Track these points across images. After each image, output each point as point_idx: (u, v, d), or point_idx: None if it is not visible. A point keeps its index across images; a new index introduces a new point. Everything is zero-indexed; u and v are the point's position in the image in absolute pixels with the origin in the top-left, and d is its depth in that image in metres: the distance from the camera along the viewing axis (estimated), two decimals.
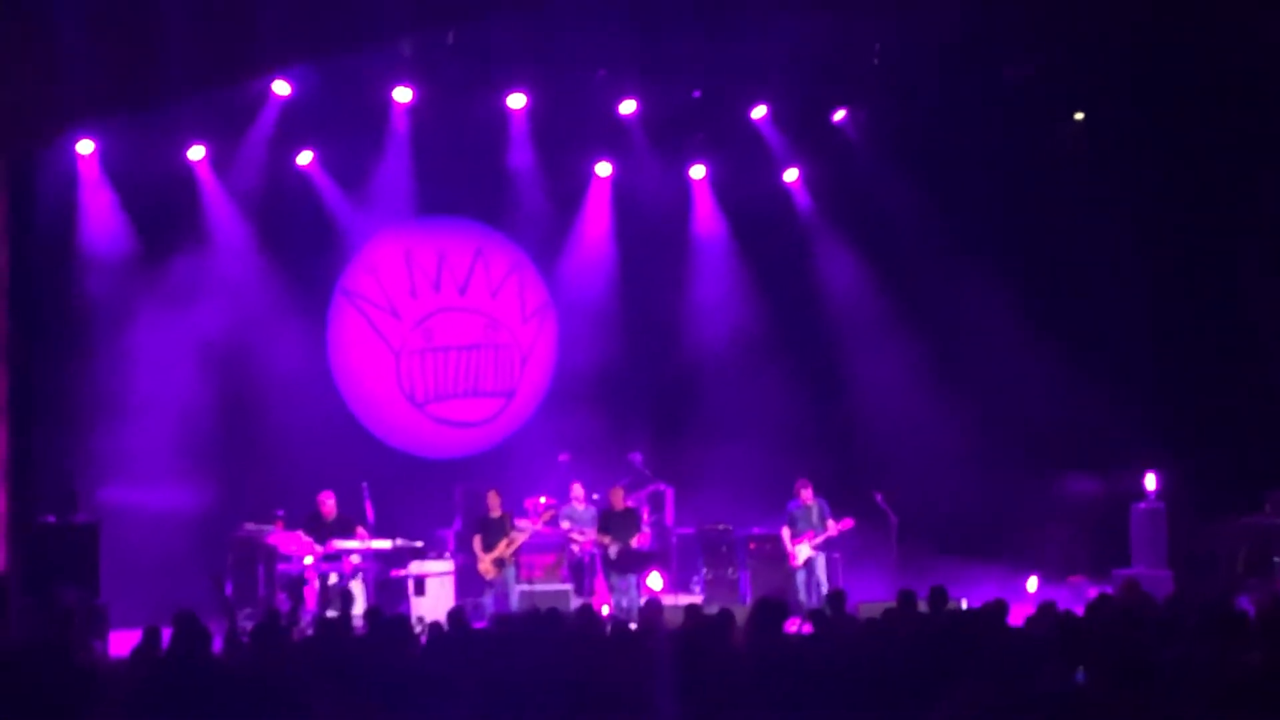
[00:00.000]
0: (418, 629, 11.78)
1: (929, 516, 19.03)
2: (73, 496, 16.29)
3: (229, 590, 16.96)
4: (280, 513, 17.19)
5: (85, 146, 18.35)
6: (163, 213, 18.86)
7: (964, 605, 14.41)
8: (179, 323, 18.56)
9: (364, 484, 17.38)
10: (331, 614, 15.52)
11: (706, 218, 21.28)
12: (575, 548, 18.39)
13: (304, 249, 19.68)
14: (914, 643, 9.30)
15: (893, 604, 12.26)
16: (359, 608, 16.34)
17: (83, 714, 7.81)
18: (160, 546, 17.64)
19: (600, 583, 17.95)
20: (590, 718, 7.64)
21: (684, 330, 21.03)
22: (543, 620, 10.66)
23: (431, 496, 19.37)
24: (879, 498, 18.38)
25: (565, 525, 18.27)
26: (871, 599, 16.26)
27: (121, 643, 13.86)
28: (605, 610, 16.82)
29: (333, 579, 16.70)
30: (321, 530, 16.90)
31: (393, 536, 17.21)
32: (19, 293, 16.95)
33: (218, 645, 10.28)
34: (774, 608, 10.31)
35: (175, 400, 18.43)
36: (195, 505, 18.44)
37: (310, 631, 13.60)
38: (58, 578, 15.08)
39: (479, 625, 13.36)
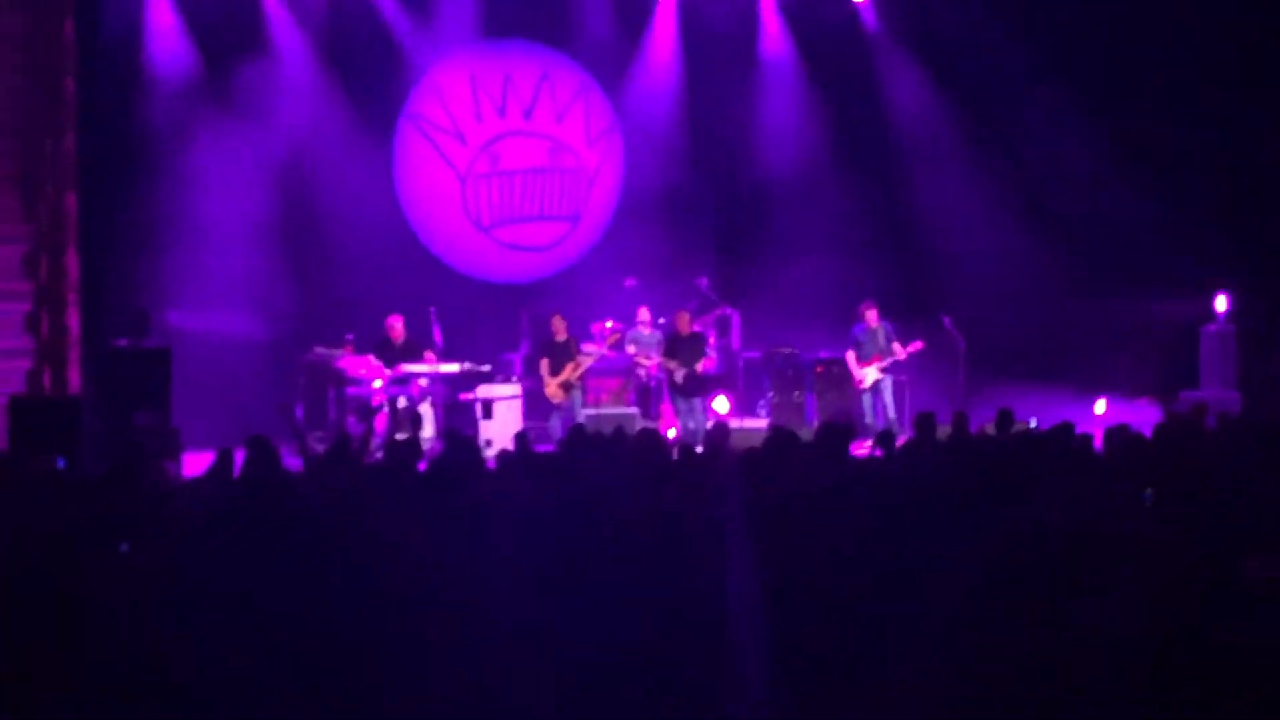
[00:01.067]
0: (486, 451, 11.88)
1: (997, 340, 18.91)
2: (144, 320, 16.41)
3: (299, 414, 17.13)
4: (349, 336, 17.32)
5: None
6: (228, 34, 18.79)
7: (1032, 425, 14.38)
8: (245, 145, 18.56)
9: (431, 309, 17.47)
10: (401, 436, 15.67)
11: (774, 38, 21.00)
12: (641, 372, 18.45)
13: (369, 73, 19.60)
14: (980, 464, 9.29)
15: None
16: (428, 430, 16.49)
17: (157, 535, 7.93)
18: (230, 370, 17.80)
19: (666, 407, 18.01)
20: (655, 541, 7.68)
21: (751, 152, 20.84)
22: (608, 443, 10.71)
23: (498, 321, 19.47)
24: (946, 321, 18.30)
25: (631, 349, 18.31)
26: (938, 423, 16.22)
27: (193, 465, 14.05)
28: (671, 434, 16.90)
29: (401, 402, 16.82)
30: (390, 354, 17.00)
31: (460, 360, 17.31)
32: (86, 117, 17.01)
33: (289, 468, 10.41)
34: (841, 431, 10.33)
35: (242, 223, 18.48)
36: (264, 329, 18.56)
37: (380, 455, 13.74)
38: (130, 401, 15.25)
39: (544, 448, 13.45)
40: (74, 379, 16.59)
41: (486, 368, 17.71)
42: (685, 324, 17.93)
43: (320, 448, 13.52)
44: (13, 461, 13.32)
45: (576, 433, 11.69)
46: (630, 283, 19.44)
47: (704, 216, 20.56)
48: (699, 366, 17.66)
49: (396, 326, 17.24)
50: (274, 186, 18.83)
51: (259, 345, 18.43)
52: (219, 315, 18.24)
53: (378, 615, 6.58)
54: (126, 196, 17.89)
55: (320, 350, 17.31)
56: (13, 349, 16.46)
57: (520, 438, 11.70)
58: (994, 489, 8.38)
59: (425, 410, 16.85)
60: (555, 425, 17.21)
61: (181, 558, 7.20)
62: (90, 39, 17.34)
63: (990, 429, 12.57)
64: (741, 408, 18.98)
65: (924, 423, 11.84)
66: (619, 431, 11.24)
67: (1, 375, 16.17)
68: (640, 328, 18.46)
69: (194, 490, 9.99)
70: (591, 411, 17.74)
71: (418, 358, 16.96)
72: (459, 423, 16.79)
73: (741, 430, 16.24)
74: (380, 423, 16.68)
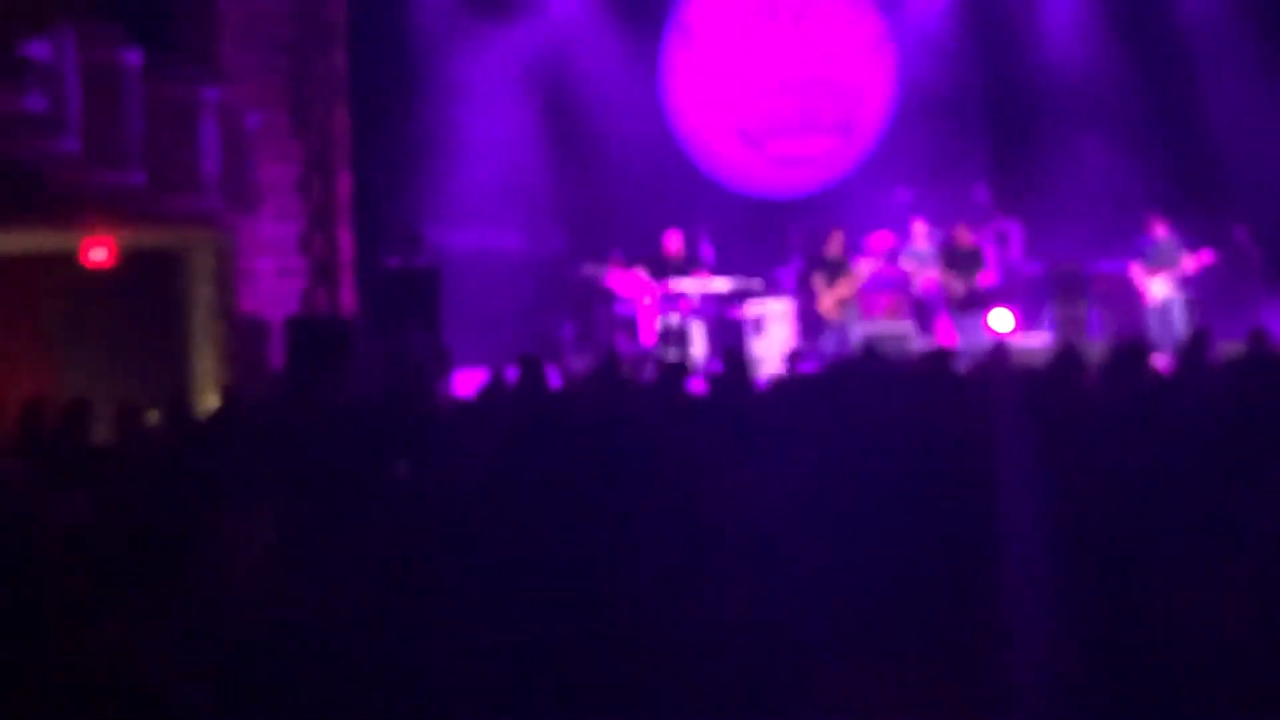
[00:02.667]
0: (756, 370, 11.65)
1: None
2: (416, 239, 16.50)
3: (569, 333, 17.11)
4: (616, 252, 17.16)
5: None
6: None
7: None
8: (514, 58, 18.55)
9: (701, 226, 17.23)
10: (670, 354, 15.54)
11: None
12: (917, 287, 17.98)
13: None
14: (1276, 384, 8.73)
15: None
16: (697, 348, 16.32)
17: (430, 453, 7.87)
18: (498, 287, 17.84)
19: (943, 322, 17.53)
20: (936, 460, 7.34)
21: (1030, 58, 19.99)
22: (887, 362, 10.38)
23: (768, 236, 19.08)
24: (1240, 232, 17.44)
25: (907, 265, 17.84)
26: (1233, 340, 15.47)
27: (464, 383, 14.08)
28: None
29: (672, 319, 16.63)
30: (662, 268, 16.77)
31: (730, 276, 17.03)
32: (355, 32, 17.05)
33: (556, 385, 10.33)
34: (1134, 349, 9.83)
35: (509, 139, 18.47)
36: (530, 246, 18.58)
37: (649, 373, 13.61)
38: (402, 320, 15.36)
39: (814, 365, 13.14)
40: (347, 298, 16.75)
41: (758, 283, 17.41)
42: (963, 237, 17.42)
43: (581, 365, 13.46)
44: (291, 379, 13.54)
45: (859, 351, 11.38)
46: (902, 194, 18.91)
47: (981, 125, 19.83)
48: (977, 280, 17.16)
49: (674, 241, 16.97)
50: (543, 100, 18.80)
51: (526, 262, 18.46)
52: (486, 232, 18.29)
53: (669, 543, 6.38)
54: (396, 112, 17.95)
55: (588, 266, 17.19)
56: (288, 268, 16.67)
57: (793, 356, 11.44)
58: None
59: (695, 328, 16.65)
60: (828, 342, 16.85)
61: (462, 479, 7.10)
62: None
63: None
64: (1023, 323, 18.40)
65: (1198, 338, 11.19)
66: (895, 353, 10.91)
67: (277, 295, 16.39)
68: (916, 241, 17.97)
69: (467, 408, 9.97)
70: (866, 327, 17.34)
71: (688, 275, 16.75)
72: (729, 340, 16.56)
73: (1022, 347, 15.71)
74: (648, 338, 16.55)
